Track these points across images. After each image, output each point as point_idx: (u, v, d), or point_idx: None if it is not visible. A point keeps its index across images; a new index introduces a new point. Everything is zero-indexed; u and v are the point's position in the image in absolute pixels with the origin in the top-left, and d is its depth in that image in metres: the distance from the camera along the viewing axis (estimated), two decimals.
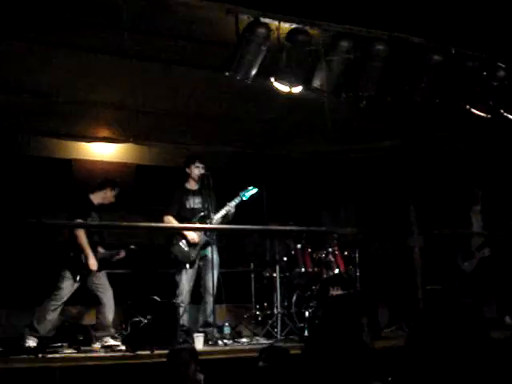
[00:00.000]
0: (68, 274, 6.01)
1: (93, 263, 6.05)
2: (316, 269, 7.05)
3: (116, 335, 6.02)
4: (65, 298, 6.01)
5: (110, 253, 6.35)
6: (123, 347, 5.66)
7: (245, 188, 6.72)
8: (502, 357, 1.82)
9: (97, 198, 6.34)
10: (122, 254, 6.34)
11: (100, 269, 6.16)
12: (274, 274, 6.96)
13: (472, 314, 1.87)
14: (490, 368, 1.71)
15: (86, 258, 6.04)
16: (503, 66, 5.77)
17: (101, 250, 6.32)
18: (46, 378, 4.52)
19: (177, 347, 4.79)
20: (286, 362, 3.58)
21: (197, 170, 6.60)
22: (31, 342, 5.70)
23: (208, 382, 4.08)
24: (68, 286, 6.01)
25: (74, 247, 6.11)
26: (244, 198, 6.66)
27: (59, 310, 6.01)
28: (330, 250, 7.18)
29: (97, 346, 5.89)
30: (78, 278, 6.02)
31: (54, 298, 5.94)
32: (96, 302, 6.20)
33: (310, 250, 7.16)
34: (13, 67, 5.58)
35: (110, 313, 6.08)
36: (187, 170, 6.67)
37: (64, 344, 5.79)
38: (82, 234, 6.07)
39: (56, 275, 6.08)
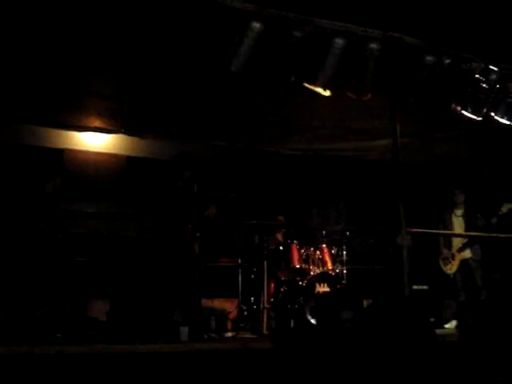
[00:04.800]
0: None
1: None
2: (304, 265, 7.08)
3: None
4: None
5: None
6: None
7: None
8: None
9: (48, 187, 6.33)
10: None
11: None
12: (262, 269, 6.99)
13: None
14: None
15: None
16: (496, 69, 5.79)
17: None
18: None
19: None
20: None
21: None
22: None
23: (193, 375, 4.10)
24: None
25: None
26: None
27: None
28: (318, 246, 7.22)
29: None
30: None
31: None
32: None
33: (298, 246, 7.19)
34: None
35: None
36: None
37: None
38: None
39: None
